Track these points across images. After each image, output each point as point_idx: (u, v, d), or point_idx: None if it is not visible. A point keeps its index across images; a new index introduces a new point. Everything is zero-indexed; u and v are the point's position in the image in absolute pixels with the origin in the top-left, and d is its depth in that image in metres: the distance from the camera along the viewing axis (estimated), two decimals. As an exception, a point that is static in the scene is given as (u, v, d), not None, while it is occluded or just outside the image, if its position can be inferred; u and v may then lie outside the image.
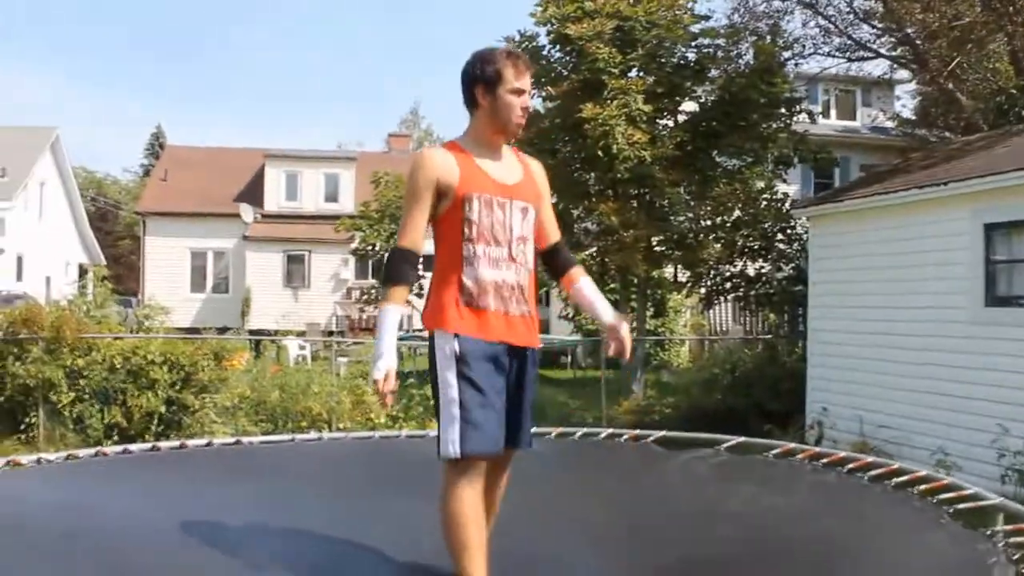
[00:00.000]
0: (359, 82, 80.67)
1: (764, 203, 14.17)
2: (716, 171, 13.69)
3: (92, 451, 5.05)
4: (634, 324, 14.53)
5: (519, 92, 2.85)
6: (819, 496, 3.96)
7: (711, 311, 18.68)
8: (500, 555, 2.77)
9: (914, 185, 9.87)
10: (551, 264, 3.12)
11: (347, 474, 4.46)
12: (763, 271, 14.92)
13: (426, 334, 2.86)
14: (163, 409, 10.37)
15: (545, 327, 23.30)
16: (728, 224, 14.04)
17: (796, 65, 18.38)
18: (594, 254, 13.67)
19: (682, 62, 13.64)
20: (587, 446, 5.09)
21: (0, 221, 21.69)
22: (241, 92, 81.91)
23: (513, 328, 2.82)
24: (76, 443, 9.69)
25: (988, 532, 3.20)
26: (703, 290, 15.41)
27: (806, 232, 13.01)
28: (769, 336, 14.94)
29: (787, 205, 14.16)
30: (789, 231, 14.37)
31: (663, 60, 13.36)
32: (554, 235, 3.09)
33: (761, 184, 14.18)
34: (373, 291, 21.78)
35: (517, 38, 13.40)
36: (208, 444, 5.31)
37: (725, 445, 4.72)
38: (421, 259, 2.87)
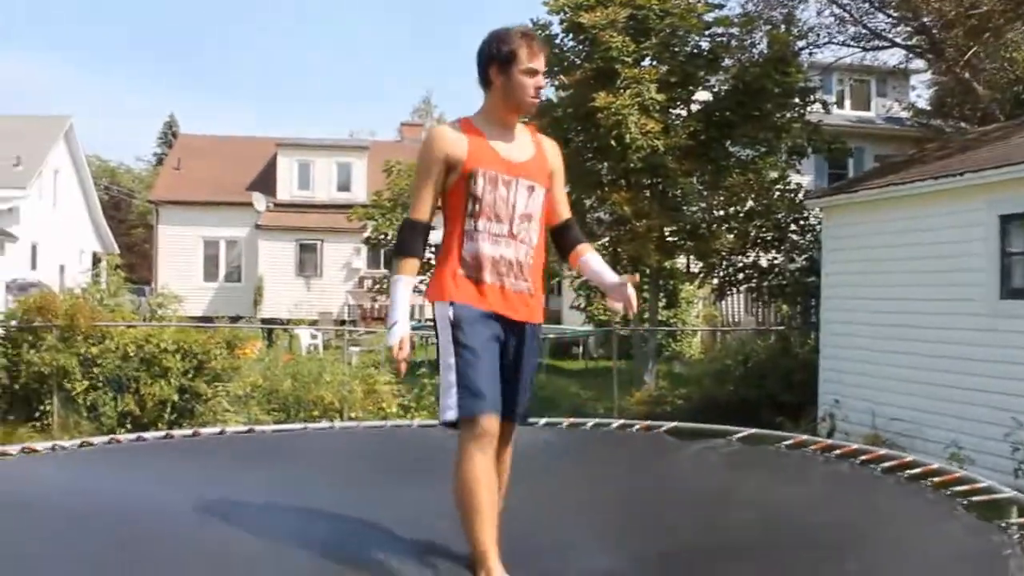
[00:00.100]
0: (372, 71, 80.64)
1: (777, 194, 14.10)
2: (729, 161, 13.64)
3: (106, 438, 5.08)
4: (646, 315, 14.52)
5: (532, 73, 2.88)
6: (832, 486, 3.95)
7: (723, 302, 18.63)
8: (510, 542, 2.78)
9: (929, 176, 9.81)
10: (560, 241, 3.15)
11: (359, 462, 4.47)
12: (776, 262, 14.86)
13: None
14: (176, 397, 10.43)
15: (557, 317, 23.28)
16: (741, 214, 13.99)
17: (810, 54, 18.22)
18: (606, 244, 13.64)
19: (696, 51, 13.58)
20: (599, 436, 5.09)
21: (15, 209, 21.77)
22: (253, 81, 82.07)
23: (509, 302, 2.86)
24: (90, 431, 9.77)
25: (1003, 524, 3.18)
26: (715, 281, 15.37)
27: (819, 223, 12.95)
28: (782, 327, 14.90)
29: (801, 196, 14.08)
30: (802, 222, 14.30)
31: (676, 49, 13.31)
32: (565, 213, 3.13)
33: (774, 174, 14.12)
34: (385, 281, 21.81)
35: (530, 26, 13.36)
36: (221, 432, 5.34)
37: (737, 436, 4.71)
38: (432, 230, 2.93)
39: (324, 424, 7.73)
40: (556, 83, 13.56)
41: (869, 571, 2.90)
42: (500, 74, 2.88)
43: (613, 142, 12.19)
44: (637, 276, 3.12)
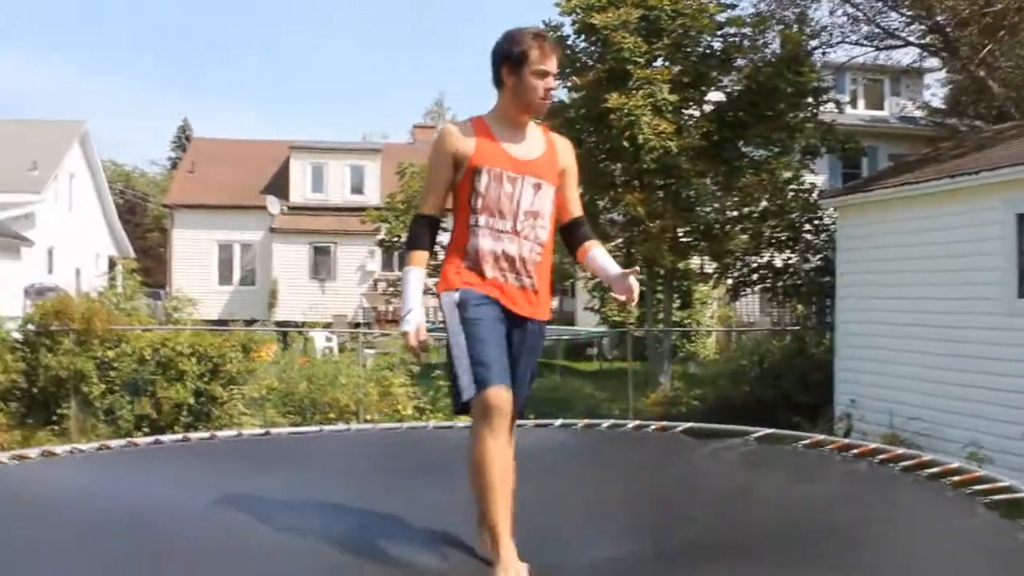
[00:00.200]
0: (384, 73, 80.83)
1: (791, 194, 14.06)
2: (742, 161, 13.61)
3: (123, 442, 5.11)
4: (660, 315, 14.50)
5: (543, 74, 2.91)
6: (851, 484, 3.93)
7: (738, 302, 18.57)
8: (524, 539, 2.78)
9: (945, 175, 9.75)
10: (568, 238, 3.16)
11: (375, 464, 4.48)
12: (790, 262, 14.81)
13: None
14: (192, 400, 10.49)
15: (571, 319, 23.29)
16: (755, 215, 13.95)
17: (823, 54, 18.14)
18: (620, 245, 13.64)
19: (708, 51, 13.57)
20: (614, 436, 5.08)
21: (31, 214, 21.91)
22: (265, 84, 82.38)
23: (510, 296, 2.89)
24: (107, 434, 9.83)
25: (1025, 523, 3.15)
26: (729, 281, 15.33)
27: (834, 223, 12.90)
28: (797, 327, 14.85)
29: (815, 195, 14.04)
30: (816, 222, 14.26)
31: (689, 49, 13.29)
32: (575, 211, 3.14)
33: (788, 174, 14.07)
34: (399, 283, 21.85)
35: (543, 28, 13.36)
36: (238, 435, 5.36)
37: (753, 436, 4.69)
38: (441, 223, 2.99)
39: (340, 426, 7.75)
40: (568, 84, 13.57)
41: (892, 568, 2.89)
42: (511, 74, 2.91)
43: (626, 143, 12.18)
44: (637, 268, 3.14)
